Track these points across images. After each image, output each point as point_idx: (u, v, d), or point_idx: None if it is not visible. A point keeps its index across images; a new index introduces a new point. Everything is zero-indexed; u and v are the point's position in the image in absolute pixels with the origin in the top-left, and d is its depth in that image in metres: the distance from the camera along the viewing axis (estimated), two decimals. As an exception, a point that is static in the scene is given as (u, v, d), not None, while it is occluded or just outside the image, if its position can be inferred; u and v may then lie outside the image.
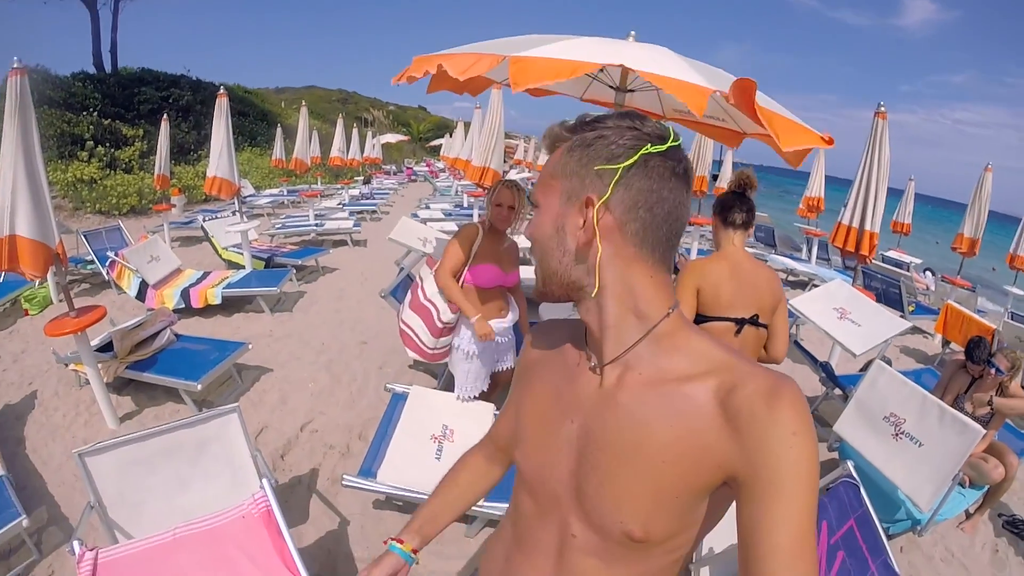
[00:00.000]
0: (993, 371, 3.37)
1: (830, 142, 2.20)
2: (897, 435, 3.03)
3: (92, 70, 19.58)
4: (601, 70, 2.96)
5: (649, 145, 0.71)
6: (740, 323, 2.30)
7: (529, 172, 19.76)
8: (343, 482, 2.57)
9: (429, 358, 3.36)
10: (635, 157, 0.71)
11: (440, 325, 3.16)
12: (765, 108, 1.86)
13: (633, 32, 2.39)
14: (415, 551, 1.02)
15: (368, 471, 2.64)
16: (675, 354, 0.75)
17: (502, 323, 3.06)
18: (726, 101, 1.88)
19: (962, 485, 3.26)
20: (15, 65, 2.99)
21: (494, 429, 1.08)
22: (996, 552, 3.28)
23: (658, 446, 0.70)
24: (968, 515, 3.44)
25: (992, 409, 3.43)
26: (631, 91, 2.98)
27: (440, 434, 2.97)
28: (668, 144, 0.72)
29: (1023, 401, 3.40)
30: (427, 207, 13.32)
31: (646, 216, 0.72)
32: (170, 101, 19.19)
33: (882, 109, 4.44)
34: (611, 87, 2.87)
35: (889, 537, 3.02)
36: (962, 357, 3.68)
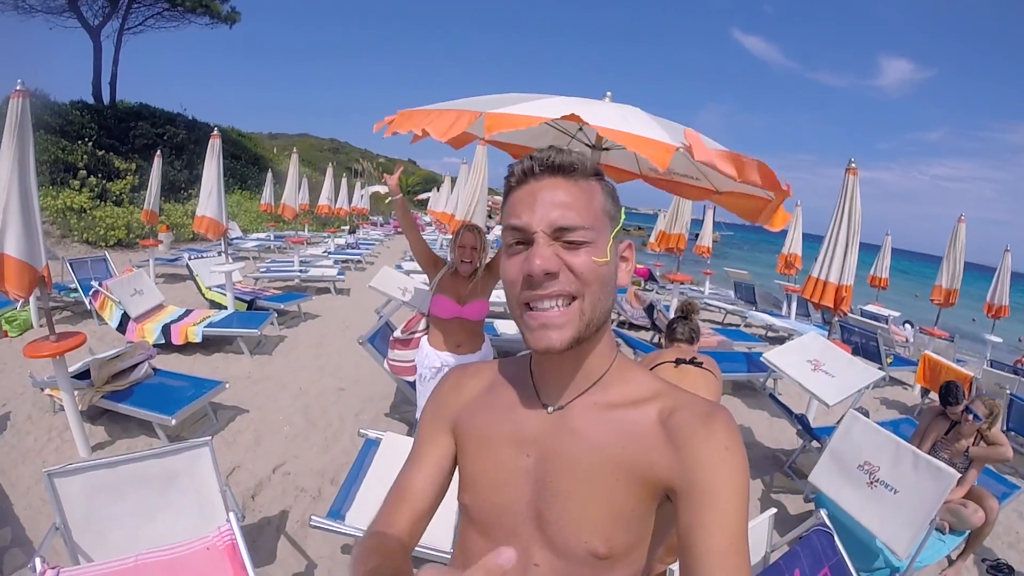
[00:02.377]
0: (971, 417, 3.43)
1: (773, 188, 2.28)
2: (872, 483, 3.07)
3: (90, 100, 19.77)
4: (579, 129, 3.08)
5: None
6: (678, 362, 2.57)
7: None
8: (311, 523, 2.54)
9: (390, 368, 3.72)
10: (623, 210, 0.81)
11: (391, 339, 3.53)
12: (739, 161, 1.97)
13: (609, 93, 2.49)
14: None
15: (337, 513, 2.60)
16: (621, 384, 0.83)
17: (460, 358, 3.07)
18: (690, 157, 1.97)
19: (942, 531, 3.27)
20: (18, 87, 3.06)
21: (411, 486, 0.91)
22: (981, 597, 3.26)
23: (612, 466, 0.76)
24: (951, 562, 3.44)
25: (969, 457, 3.48)
26: (606, 149, 3.09)
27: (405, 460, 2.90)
28: None
29: (998, 448, 3.45)
30: (411, 259, 13.26)
31: None
32: (165, 138, 19.40)
33: (852, 166, 4.61)
34: (588, 146, 2.97)
35: (870, 586, 3.01)
36: (939, 404, 3.75)
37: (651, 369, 2.56)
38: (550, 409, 0.84)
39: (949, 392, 3.62)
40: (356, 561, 0.79)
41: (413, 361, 3.35)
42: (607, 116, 2.05)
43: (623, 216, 0.81)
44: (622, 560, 0.78)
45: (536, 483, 0.81)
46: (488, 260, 3.13)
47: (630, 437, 0.77)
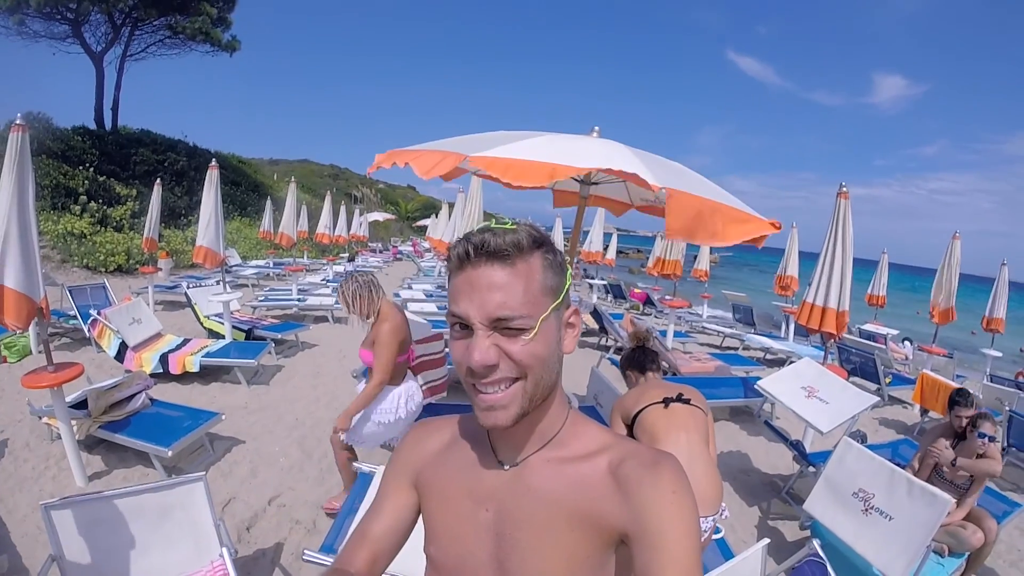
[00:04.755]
0: (986, 440, 3.42)
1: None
2: (867, 510, 3.08)
3: (92, 125, 20.05)
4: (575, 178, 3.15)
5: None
6: (666, 401, 2.54)
7: None
8: (304, 557, 2.54)
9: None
10: (569, 268, 0.84)
11: None
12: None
13: (597, 128, 2.55)
14: None
15: (330, 548, 2.60)
16: (574, 440, 0.87)
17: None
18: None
19: (940, 554, 3.26)
20: (18, 121, 3.12)
21: (370, 531, 0.96)
22: (983, 620, 3.24)
23: (567, 517, 0.80)
24: (951, 584, 3.41)
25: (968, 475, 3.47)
26: (595, 183, 3.14)
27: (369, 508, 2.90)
28: None
29: (987, 461, 3.43)
30: (409, 287, 13.20)
31: None
32: (165, 165, 19.60)
33: (844, 189, 4.64)
34: (576, 180, 3.03)
35: (867, 614, 3.00)
36: (941, 423, 3.79)
37: (638, 412, 2.54)
38: (506, 467, 0.88)
39: (961, 394, 3.66)
40: None
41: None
42: (593, 155, 2.10)
43: (568, 281, 0.83)
44: None
45: (496, 536, 0.85)
46: (379, 306, 3.22)
47: (582, 489, 0.81)
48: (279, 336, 7.52)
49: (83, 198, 14.66)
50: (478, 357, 0.74)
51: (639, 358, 2.86)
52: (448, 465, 0.94)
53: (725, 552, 2.93)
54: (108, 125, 20.69)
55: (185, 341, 6.33)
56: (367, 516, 0.99)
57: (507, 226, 0.78)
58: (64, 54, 19.97)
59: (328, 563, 2.53)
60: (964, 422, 3.59)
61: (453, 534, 0.90)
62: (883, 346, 9.51)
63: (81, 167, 15.95)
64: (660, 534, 0.73)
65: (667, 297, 11.33)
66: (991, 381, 7.94)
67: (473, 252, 0.76)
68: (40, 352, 5.98)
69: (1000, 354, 9.16)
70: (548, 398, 0.83)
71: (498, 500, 0.86)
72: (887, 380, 7.62)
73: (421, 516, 0.98)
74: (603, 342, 9.61)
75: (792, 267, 11.28)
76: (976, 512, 3.44)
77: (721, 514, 2.52)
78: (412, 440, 1.02)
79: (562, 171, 1.94)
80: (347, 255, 20.95)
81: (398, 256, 26.19)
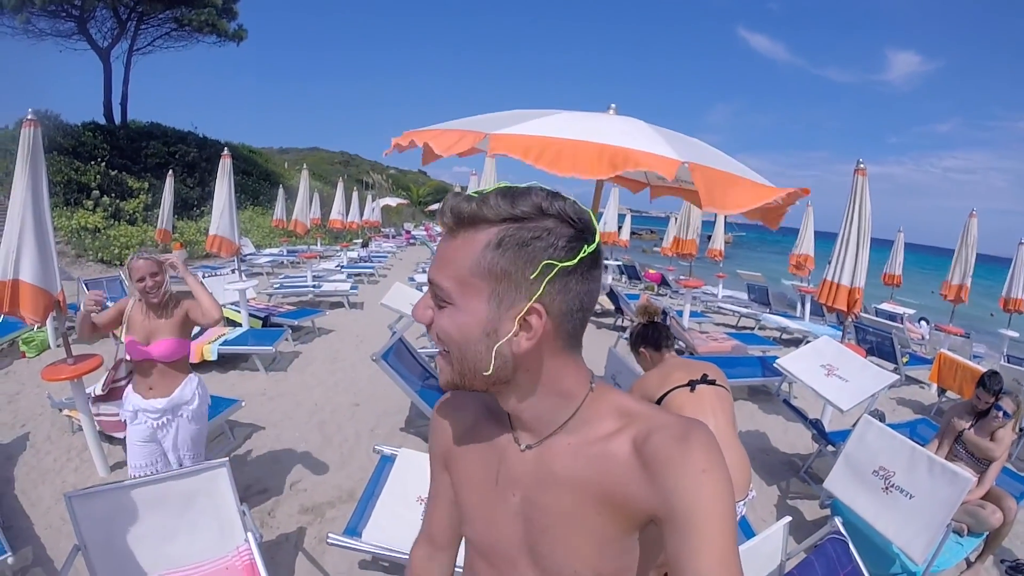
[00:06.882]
0: (1000, 414, 3.44)
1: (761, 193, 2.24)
2: (887, 488, 3.06)
3: (102, 120, 20.24)
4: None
5: (587, 245, 0.70)
6: (692, 384, 2.46)
7: None
8: (328, 540, 2.57)
9: (99, 423, 3.79)
10: (576, 260, 0.70)
11: (93, 396, 3.27)
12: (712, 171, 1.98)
13: (613, 105, 2.51)
14: None
15: (354, 530, 2.63)
16: (596, 420, 0.80)
17: (149, 402, 2.78)
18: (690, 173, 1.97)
19: (959, 534, 3.24)
20: (29, 117, 3.12)
21: (430, 527, 1.05)
22: (1000, 599, 3.23)
23: (592, 501, 0.77)
24: (969, 564, 3.39)
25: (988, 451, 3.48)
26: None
27: (427, 496, 2.86)
28: (598, 238, 0.73)
29: (990, 445, 3.46)
30: (424, 271, 13.17)
31: (580, 316, 0.75)
32: (176, 157, 19.75)
33: (861, 166, 4.58)
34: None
35: (886, 592, 3.00)
36: (962, 402, 3.79)
37: (664, 395, 2.46)
38: (522, 447, 0.85)
39: (991, 378, 3.64)
40: None
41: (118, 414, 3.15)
42: (611, 133, 2.07)
43: (538, 271, 0.69)
44: None
45: (525, 522, 0.84)
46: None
47: (606, 471, 0.77)
48: (296, 323, 7.57)
49: (96, 193, 14.82)
50: (414, 308, 0.78)
51: (653, 335, 2.74)
52: (473, 447, 0.92)
53: (746, 531, 2.93)
54: (118, 120, 20.84)
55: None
56: (428, 506, 1.06)
57: (478, 192, 0.71)
58: (71, 51, 20.17)
59: (353, 546, 2.57)
60: (982, 404, 3.57)
61: (485, 518, 0.90)
62: (900, 325, 9.42)
63: (92, 162, 16.09)
64: (691, 516, 0.68)
65: (682, 277, 11.26)
66: (1008, 362, 7.86)
67: (438, 220, 0.76)
68: (59, 346, 6.09)
69: (1017, 334, 9.07)
70: (510, 383, 0.78)
71: (524, 486, 0.84)
72: (904, 360, 7.54)
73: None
74: (619, 323, 9.61)
75: (807, 246, 11.17)
76: (995, 492, 3.42)
77: (748, 496, 2.48)
78: (437, 421, 1.01)
79: (583, 159, 1.91)
80: (360, 241, 21.02)
81: (411, 241, 26.23)
